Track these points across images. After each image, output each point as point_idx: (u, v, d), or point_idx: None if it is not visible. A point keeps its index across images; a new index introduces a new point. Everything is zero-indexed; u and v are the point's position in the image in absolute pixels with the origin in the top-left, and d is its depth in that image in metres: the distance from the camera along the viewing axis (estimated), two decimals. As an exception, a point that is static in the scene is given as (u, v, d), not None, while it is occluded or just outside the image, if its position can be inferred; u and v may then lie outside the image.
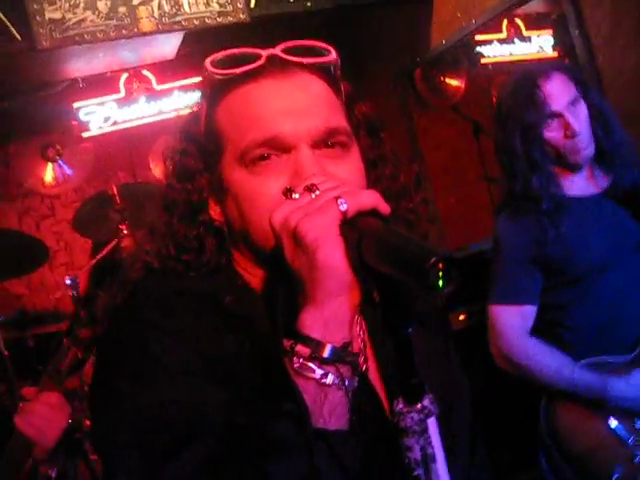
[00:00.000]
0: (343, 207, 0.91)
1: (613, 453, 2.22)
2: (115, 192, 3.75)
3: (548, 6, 6.26)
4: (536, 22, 6.61)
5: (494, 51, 6.48)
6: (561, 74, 2.32)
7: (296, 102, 1.06)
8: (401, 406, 0.90)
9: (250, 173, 1.05)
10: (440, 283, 0.77)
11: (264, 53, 1.10)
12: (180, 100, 5.48)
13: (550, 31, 6.59)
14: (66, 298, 4.07)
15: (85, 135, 5.37)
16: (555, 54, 6.51)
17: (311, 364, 0.91)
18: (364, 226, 0.89)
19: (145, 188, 4.05)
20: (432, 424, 0.89)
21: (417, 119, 5.88)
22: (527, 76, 2.36)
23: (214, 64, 1.10)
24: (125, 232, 3.62)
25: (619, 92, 3.60)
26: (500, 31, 6.48)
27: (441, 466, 0.89)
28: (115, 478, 0.99)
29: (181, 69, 5.39)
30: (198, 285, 1.10)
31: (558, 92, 2.31)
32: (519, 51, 6.54)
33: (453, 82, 6.39)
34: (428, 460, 0.88)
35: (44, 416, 1.85)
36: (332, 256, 0.89)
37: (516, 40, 6.58)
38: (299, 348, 0.92)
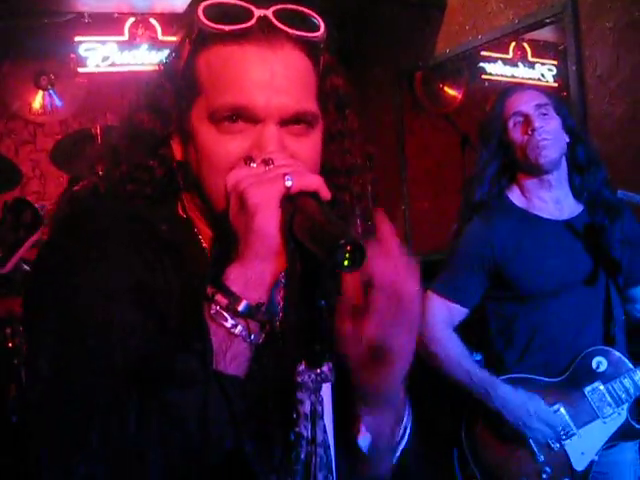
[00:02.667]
0: (288, 183, 0.99)
1: (522, 465, 2.34)
2: (98, 132, 3.78)
3: (558, 37, 6.34)
4: (543, 50, 6.68)
5: (496, 69, 6.54)
6: (535, 90, 2.51)
7: (274, 77, 1.09)
8: (302, 367, 0.99)
9: (217, 131, 1.10)
10: (346, 262, 0.86)
11: (256, 13, 1.10)
12: (181, 55, 5.49)
13: (555, 62, 6.67)
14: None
15: (81, 70, 5.36)
16: (555, 85, 6.60)
17: (225, 313, 0.99)
18: (301, 204, 0.97)
19: (129, 134, 4.08)
20: (327, 388, 0.99)
21: (409, 120, 5.95)
22: (503, 89, 2.58)
23: (206, 13, 1.11)
24: (101, 172, 3.65)
25: (603, 135, 3.70)
26: (507, 52, 6.54)
27: (328, 424, 0.99)
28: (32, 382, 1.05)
29: (188, 25, 5.41)
30: (139, 212, 1.15)
31: (525, 97, 2.47)
32: (521, 74, 6.62)
33: (451, 91, 6.46)
34: (316, 416, 0.98)
35: None
36: (266, 223, 0.97)
37: (520, 63, 6.65)
38: (218, 297, 0.99)
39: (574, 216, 2.49)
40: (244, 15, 1.10)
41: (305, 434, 0.99)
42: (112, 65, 5.39)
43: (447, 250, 2.61)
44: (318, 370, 1.00)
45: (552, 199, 2.49)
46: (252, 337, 1.00)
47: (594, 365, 2.39)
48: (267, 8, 1.11)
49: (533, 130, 2.39)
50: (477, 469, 2.41)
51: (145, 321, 1.04)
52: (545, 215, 2.47)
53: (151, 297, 1.07)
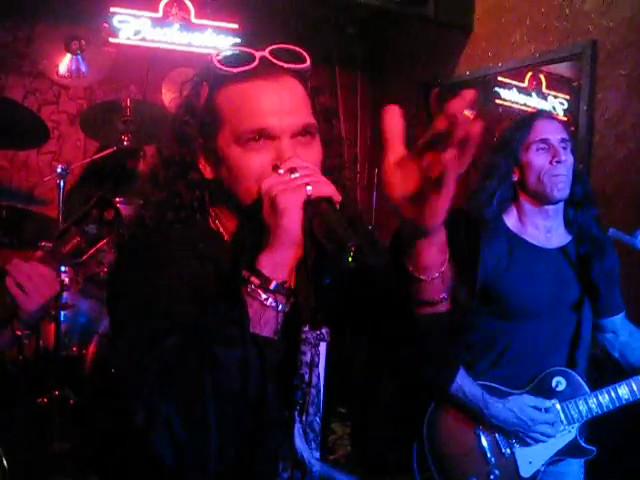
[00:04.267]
0: (309, 191, 1.28)
1: (474, 465, 2.55)
2: (128, 104, 3.94)
3: (574, 72, 6.53)
4: (558, 83, 6.86)
5: (511, 96, 6.71)
6: (558, 122, 2.63)
7: (282, 102, 1.40)
8: (306, 329, 1.27)
9: (244, 150, 1.40)
10: (349, 259, 1.15)
11: (257, 55, 1.42)
12: (211, 39, 5.65)
13: (567, 96, 6.86)
14: (51, 183, 4.28)
15: (112, 40, 5.49)
16: (565, 119, 6.79)
17: (259, 290, 1.28)
18: (318, 208, 1.26)
19: (155, 110, 4.24)
20: (323, 346, 1.27)
21: (420, 134, 6.13)
22: (529, 113, 2.68)
23: (219, 60, 1.43)
24: (125, 143, 3.83)
25: (604, 175, 3.89)
26: (523, 80, 6.73)
27: (321, 371, 1.27)
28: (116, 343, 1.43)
29: (221, 11, 5.59)
30: (180, 235, 1.48)
31: (553, 128, 2.61)
32: (533, 104, 6.78)
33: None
34: (313, 364, 1.27)
35: (32, 280, 1.96)
36: (292, 221, 1.26)
37: (534, 93, 6.84)
38: (253, 279, 1.29)
39: (563, 245, 2.68)
40: (248, 58, 1.43)
41: (305, 378, 1.27)
42: (142, 40, 5.53)
43: None
44: (318, 331, 1.27)
45: (545, 227, 2.66)
46: (280, 307, 1.28)
47: (554, 384, 2.59)
48: (264, 49, 1.44)
49: (559, 162, 2.54)
50: (434, 465, 2.60)
51: (195, 307, 1.35)
52: (536, 242, 2.65)
53: (198, 292, 1.38)
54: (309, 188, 1.28)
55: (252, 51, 1.43)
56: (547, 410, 2.54)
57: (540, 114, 2.71)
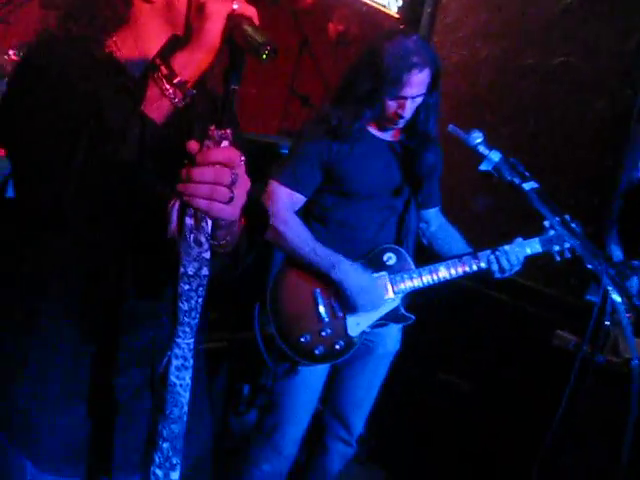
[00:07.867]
0: (235, 6, 1.38)
1: (309, 323, 2.87)
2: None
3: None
4: (396, -19, 7.06)
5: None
6: (429, 70, 2.80)
7: None
8: (213, 127, 1.32)
9: None
10: (264, 57, 1.29)
11: None
12: None
13: (403, -6, 7.09)
14: None
15: None
16: (397, 16, 7.05)
17: (164, 80, 1.38)
18: (241, 21, 1.36)
19: None
20: (225, 144, 1.33)
21: (260, 12, 6.13)
22: (408, 55, 2.77)
23: None
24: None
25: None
26: (365, -29, 6.86)
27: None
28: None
29: None
30: (87, 44, 1.54)
31: (417, 85, 2.79)
32: (368, -4, 6.97)
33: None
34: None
35: None
36: (216, 25, 1.36)
37: (372, -16, 7.00)
38: (162, 68, 1.38)
39: (396, 140, 3.03)
40: None
41: None
42: None
43: (292, 143, 3.04)
44: (222, 131, 1.33)
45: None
46: (176, 100, 1.39)
47: (385, 258, 2.97)
48: None
49: (400, 116, 2.85)
50: (273, 323, 2.89)
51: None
52: (375, 133, 2.98)
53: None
54: (235, 5, 1.38)
55: None
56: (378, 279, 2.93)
57: (416, 64, 2.76)
